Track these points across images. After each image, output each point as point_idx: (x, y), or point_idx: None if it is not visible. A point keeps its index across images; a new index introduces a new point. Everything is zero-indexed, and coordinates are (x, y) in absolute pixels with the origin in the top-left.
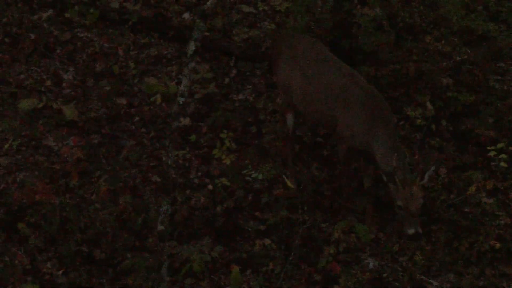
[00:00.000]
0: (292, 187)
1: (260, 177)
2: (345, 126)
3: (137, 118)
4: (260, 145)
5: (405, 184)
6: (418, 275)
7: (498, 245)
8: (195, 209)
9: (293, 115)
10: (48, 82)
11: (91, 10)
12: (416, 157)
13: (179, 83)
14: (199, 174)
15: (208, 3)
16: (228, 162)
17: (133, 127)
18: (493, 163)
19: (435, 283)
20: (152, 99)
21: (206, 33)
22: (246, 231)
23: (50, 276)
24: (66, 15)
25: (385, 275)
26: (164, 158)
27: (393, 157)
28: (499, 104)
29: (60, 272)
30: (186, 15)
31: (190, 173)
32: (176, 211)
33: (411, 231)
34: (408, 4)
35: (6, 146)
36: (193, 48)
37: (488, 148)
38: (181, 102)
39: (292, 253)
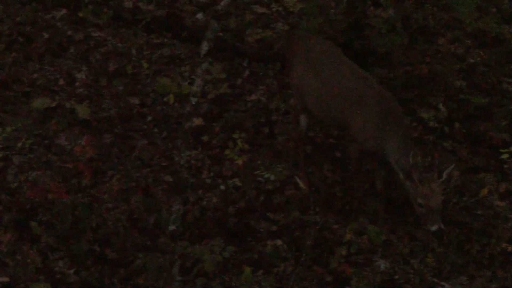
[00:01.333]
0: (304, 188)
1: (272, 178)
2: (357, 129)
3: (149, 118)
4: (272, 146)
5: (423, 181)
6: (429, 277)
7: (510, 248)
8: (207, 209)
9: (306, 117)
10: (61, 82)
11: (105, 10)
12: (434, 155)
13: (192, 83)
14: (211, 174)
15: (222, 3)
16: (240, 162)
17: (146, 127)
18: (505, 166)
19: (446, 285)
20: (165, 99)
21: (219, 34)
22: (257, 231)
23: (61, 275)
24: (80, 14)
25: (396, 277)
26: (176, 158)
27: (408, 155)
28: None
29: (72, 271)
30: (199, 16)
31: (202, 173)
32: (188, 211)
33: (434, 228)
34: (422, 6)
35: (19, 145)
36: (206, 48)
37: (501, 150)
38: (193, 102)
39: (304, 254)
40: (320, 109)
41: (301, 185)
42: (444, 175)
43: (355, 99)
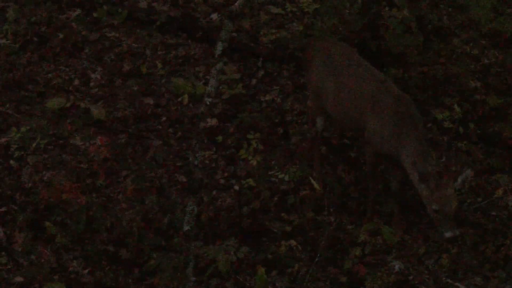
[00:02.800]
0: (318, 189)
1: (287, 178)
2: (374, 132)
3: (164, 118)
4: (286, 147)
5: (439, 186)
6: (444, 278)
7: None
8: (221, 209)
9: (323, 118)
10: (76, 82)
11: (119, 10)
12: (443, 160)
13: (206, 83)
14: (226, 174)
15: (236, 4)
16: (254, 163)
17: (160, 127)
18: None
19: (461, 286)
20: (179, 99)
21: (234, 34)
22: (272, 232)
23: (76, 275)
24: (95, 14)
25: (411, 277)
26: (190, 158)
27: (425, 160)
28: None
29: (86, 271)
30: (214, 16)
31: (216, 173)
32: (202, 212)
33: (448, 234)
34: (437, 7)
35: (34, 145)
36: (221, 48)
37: None
38: (208, 103)
39: (318, 255)
40: (338, 111)
41: (316, 185)
42: (459, 181)
43: (373, 102)
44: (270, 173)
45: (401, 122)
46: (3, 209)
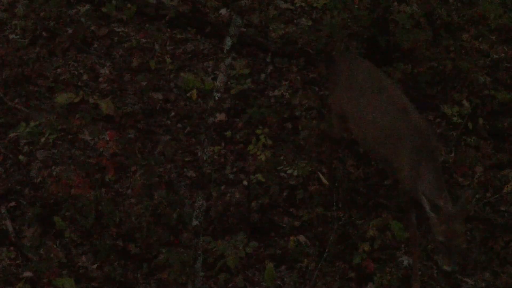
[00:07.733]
0: (327, 184)
1: (295, 173)
2: (396, 169)
3: (173, 113)
4: (295, 142)
5: (448, 220)
6: (453, 274)
7: None
8: (230, 204)
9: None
10: (85, 77)
11: (128, 5)
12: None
13: (215, 78)
14: (234, 169)
15: None
16: (263, 158)
17: (169, 122)
18: None
19: (470, 281)
20: (188, 94)
21: (243, 29)
22: (280, 227)
23: (85, 270)
24: (103, 9)
25: (419, 273)
26: (199, 154)
27: (439, 189)
28: None
29: (95, 266)
30: (223, 11)
31: (225, 168)
32: (211, 207)
33: (447, 268)
34: (446, 2)
35: (43, 139)
36: (230, 43)
37: None
38: (217, 98)
39: (327, 250)
40: (360, 138)
41: (324, 180)
42: (461, 200)
43: (392, 134)
44: (279, 168)
45: (418, 155)
46: (12, 204)
